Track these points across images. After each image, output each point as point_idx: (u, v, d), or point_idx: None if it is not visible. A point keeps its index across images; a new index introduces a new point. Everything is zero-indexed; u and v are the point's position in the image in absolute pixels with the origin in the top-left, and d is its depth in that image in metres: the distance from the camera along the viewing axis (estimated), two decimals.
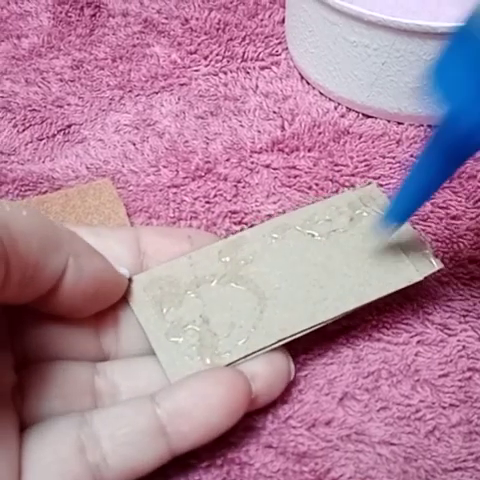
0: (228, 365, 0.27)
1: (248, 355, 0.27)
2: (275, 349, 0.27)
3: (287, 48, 0.44)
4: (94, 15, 0.47)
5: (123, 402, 0.26)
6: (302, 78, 0.42)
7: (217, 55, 0.44)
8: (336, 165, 0.37)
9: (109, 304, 0.27)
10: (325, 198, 0.31)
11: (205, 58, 0.44)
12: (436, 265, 0.29)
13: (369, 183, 0.32)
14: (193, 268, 0.29)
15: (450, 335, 0.31)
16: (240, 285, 0.29)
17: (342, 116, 0.40)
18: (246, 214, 0.35)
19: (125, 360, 0.27)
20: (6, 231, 0.21)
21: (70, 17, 0.47)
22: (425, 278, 0.29)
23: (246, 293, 0.28)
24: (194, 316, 0.28)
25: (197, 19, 0.46)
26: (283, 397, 0.28)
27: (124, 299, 0.28)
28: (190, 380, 0.26)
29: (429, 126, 0.39)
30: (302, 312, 0.28)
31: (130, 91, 0.42)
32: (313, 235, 0.30)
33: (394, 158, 0.38)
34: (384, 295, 0.28)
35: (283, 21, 0.45)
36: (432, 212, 0.35)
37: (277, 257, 0.29)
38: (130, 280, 0.28)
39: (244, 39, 0.45)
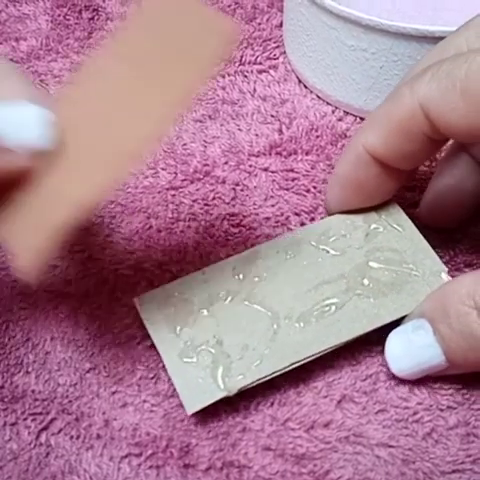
0: (241, 388, 0.27)
1: (261, 378, 0.27)
2: None
3: (285, 52, 0.44)
4: (92, 18, 0.47)
5: None
6: (300, 82, 0.42)
7: None
8: (333, 168, 0.37)
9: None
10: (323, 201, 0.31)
11: None
12: None
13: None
14: (207, 285, 0.29)
15: None
16: (254, 304, 0.28)
17: (340, 120, 0.40)
18: (244, 217, 0.35)
19: None
20: None
21: (68, 20, 0.47)
22: None
23: (260, 312, 0.28)
24: (207, 336, 0.28)
25: None
26: (282, 400, 0.29)
27: None
28: None
29: None
30: (315, 334, 0.28)
31: None
32: (328, 251, 0.30)
33: None
34: (398, 318, 0.28)
35: (281, 25, 0.45)
36: None
37: (291, 274, 0.29)
38: (141, 298, 0.29)
39: (242, 43, 0.45)
